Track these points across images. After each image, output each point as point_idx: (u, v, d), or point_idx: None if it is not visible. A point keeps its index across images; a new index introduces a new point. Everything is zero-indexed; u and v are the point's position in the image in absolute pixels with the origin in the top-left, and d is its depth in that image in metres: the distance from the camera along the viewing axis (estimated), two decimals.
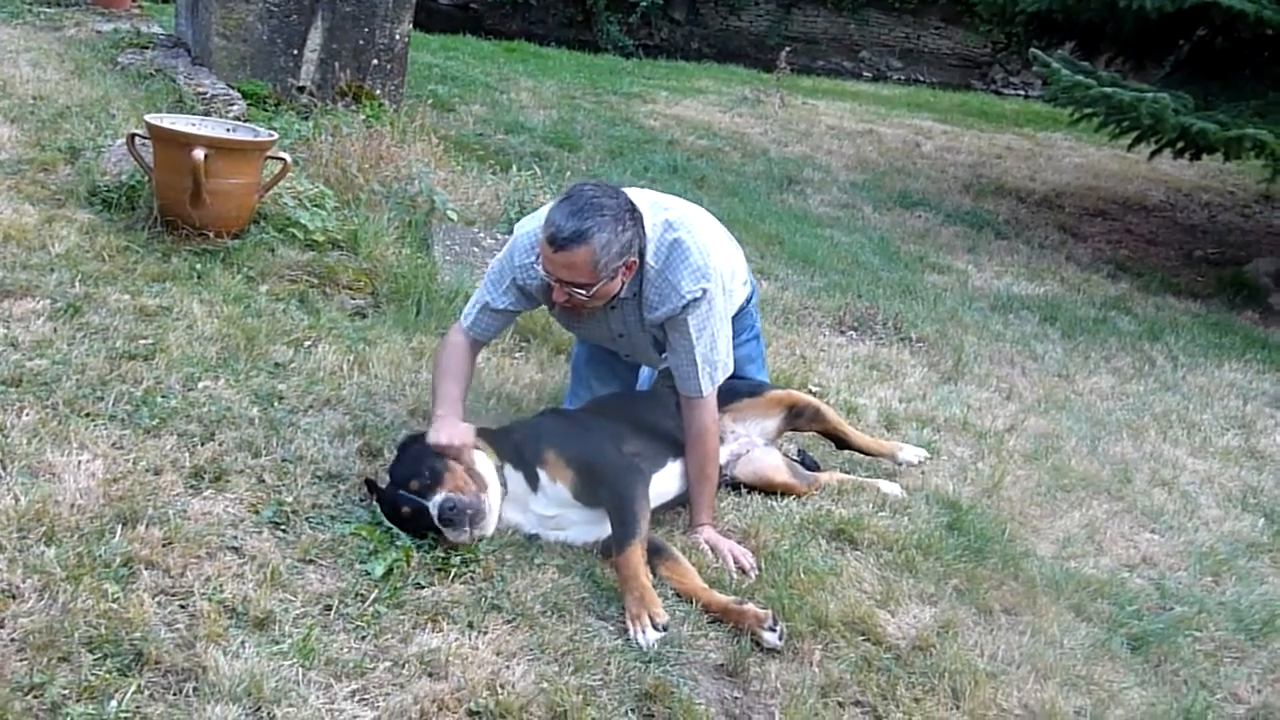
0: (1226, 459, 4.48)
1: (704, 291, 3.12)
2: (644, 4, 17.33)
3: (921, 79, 17.89)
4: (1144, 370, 5.49)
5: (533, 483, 2.96)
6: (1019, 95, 17.38)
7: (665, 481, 3.17)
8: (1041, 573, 3.24)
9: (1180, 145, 7.47)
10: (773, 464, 3.46)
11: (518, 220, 5.33)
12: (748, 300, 3.67)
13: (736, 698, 2.49)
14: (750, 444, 3.49)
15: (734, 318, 3.52)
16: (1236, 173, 10.94)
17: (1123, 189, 10.39)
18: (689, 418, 3.23)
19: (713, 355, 3.21)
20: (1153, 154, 8.00)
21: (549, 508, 2.96)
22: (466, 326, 3.29)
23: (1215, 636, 3.12)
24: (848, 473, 3.69)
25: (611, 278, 2.99)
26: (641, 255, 3.08)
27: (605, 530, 2.89)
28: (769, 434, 3.56)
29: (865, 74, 17.99)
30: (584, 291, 2.98)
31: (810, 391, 4.23)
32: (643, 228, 3.05)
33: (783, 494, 3.40)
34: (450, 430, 2.96)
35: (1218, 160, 8.41)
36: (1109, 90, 7.15)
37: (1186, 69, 8.43)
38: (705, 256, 3.15)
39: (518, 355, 4.15)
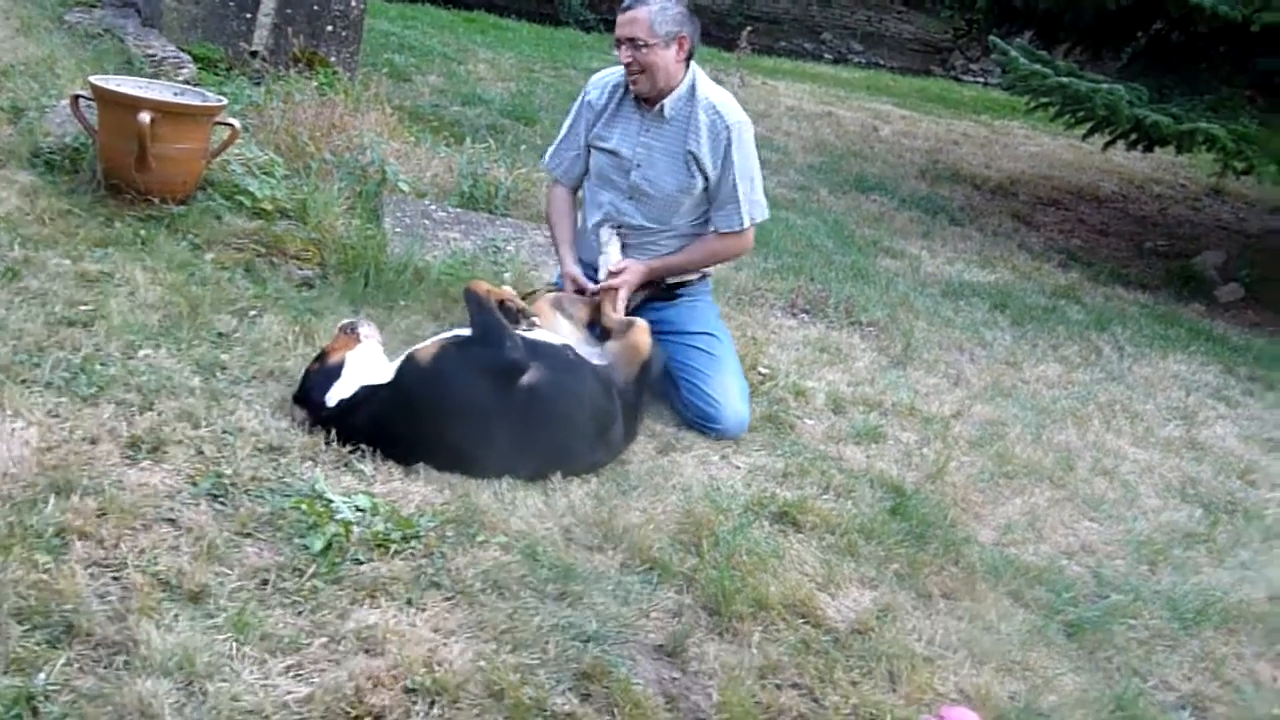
0: (1168, 449, 4.54)
1: (745, 122, 3.82)
2: None
3: (882, 63, 17.92)
4: (1090, 360, 5.55)
5: None
6: (978, 82, 17.46)
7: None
8: (981, 559, 3.27)
9: (1134, 137, 7.55)
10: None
11: (470, 193, 5.38)
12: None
13: (675, 678, 2.49)
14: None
15: (697, 288, 4.04)
16: (1188, 166, 11.08)
17: (1076, 179, 10.49)
18: (723, 242, 3.91)
19: (752, 193, 3.86)
20: (1106, 145, 8.08)
21: None
22: (558, 175, 4.06)
23: (1149, 625, 3.16)
24: None
25: (666, 45, 3.67)
26: (693, 51, 3.77)
27: None
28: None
29: (826, 56, 17.99)
30: (644, 48, 3.65)
31: (760, 374, 4.24)
32: (695, 20, 3.78)
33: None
34: (569, 269, 3.90)
35: (1170, 153, 8.52)
36: (1065, 80, 7.21)
37: (1143, 61, 8.52)
38: (748, 120, 3.86)
39: None
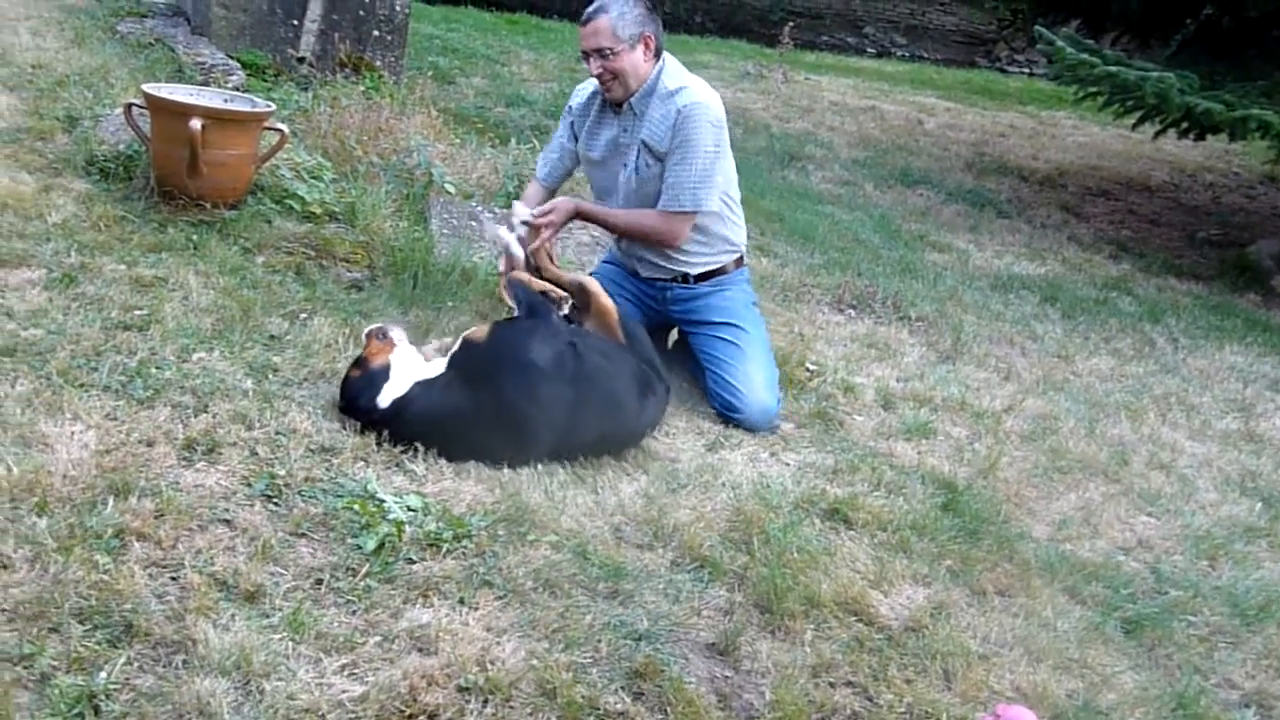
0: (1225, 442, 4.47)
1: (701, 104, 3.69)
2: None
3: (925, 56, 17.78)
4: (1144, 352, 5.47)
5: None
6: (1024, 73, 17.26)
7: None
8: (1036, 555, 3.24)
9: (1185, 125, 7.42)
10: None
11: (516, 194, 5.41)
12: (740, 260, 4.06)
13: (727, 677, 2.49)
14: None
15: (731, 278, 4.00)
16: (1241, 154, 10.89)
17: (1126, 169, 10.35)
18: (653, 219, 3.81)
19: (687, 179, 3.72)
20: (1157, 134, 7.95)
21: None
22: (539, 175, 4.13)
23: (1210, 621, 3.12)
24: None
25: (632, 47, 3.68)
26: (660, 47, 3.76)
27: None
28: None
29: (869, 50, 17.87)
30: (611, 55, 3.67)
31: (807, 370, 4.23)
32: (655, 16, 3.74)
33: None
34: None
35: (1223, 141, 8.38)
36: (1114, 69, 7.11)
37: (1193, 48, 8.38)
38: (718, 106, 3.77)
39: None
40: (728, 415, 3.75)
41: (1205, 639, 3.03)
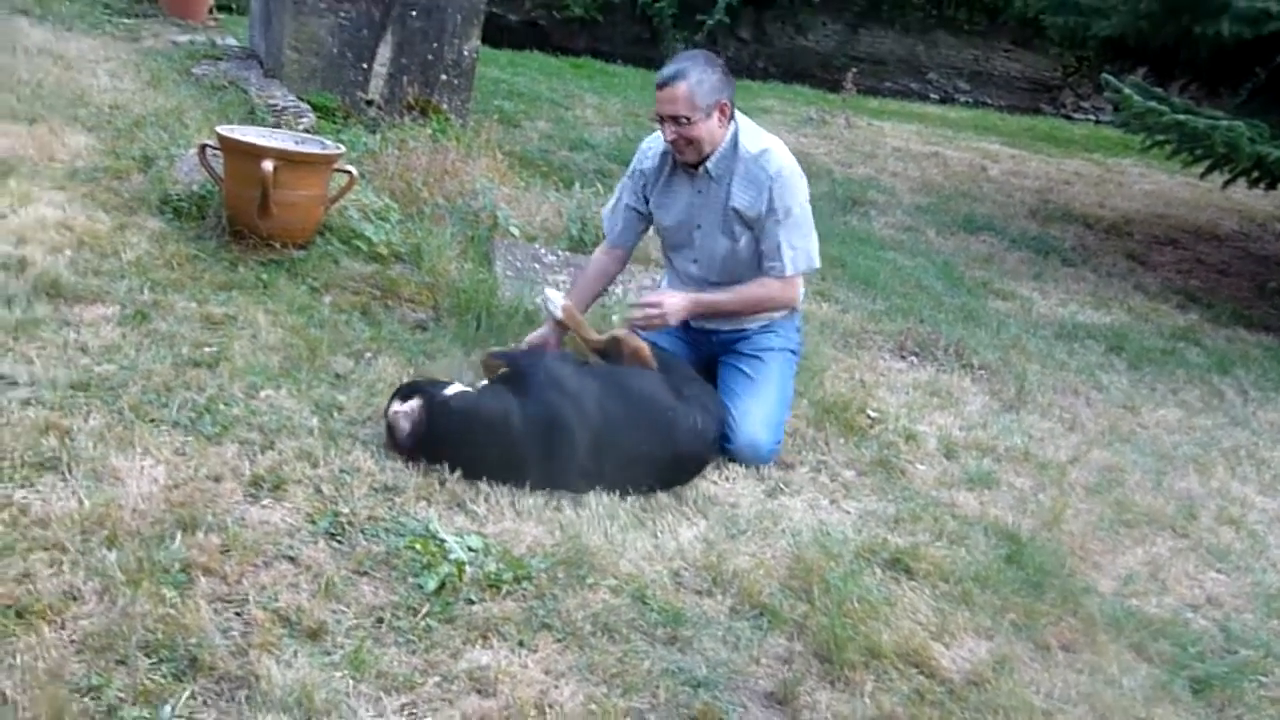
0: None
1: (789, 167, 3.72)
2: (710, 22, 17.33)
3: (989, 102, 17.69)
4: (1213, 404, 5.37)
5: None
6: (1089, 120, 17.10)
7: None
8: (1102, 610, 3.18)
9: (1255, 174, 7.31)
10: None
11: (579, 236, 5.44)
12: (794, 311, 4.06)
13: None
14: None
15: (780, 322, 3.99)
16: None
17: (1194, 217, 10.20)
18: (770, 289, 3.83)
19: (798, 240, 3.78)
20: (1226, 183, 7.84)
21: None
22: (609, 236, 4.09)
23: None
24: None
25: (708, 115, 3.65)
26: (734, 110, 3.74)
27: None
28: None
29: (932, 96, 17.82)
30: (687, 123, 3.63)
31: (869, 418, 4.20)
32: (730, 79, 3.73)
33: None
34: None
35: None
36: (1182, 118, 7.02)
37: (1263, 96, 8.25)
38: (796, 167, 3.78)
39: None
40: (723, 445, 3.71)
41: (1277, 700, 2.95)
